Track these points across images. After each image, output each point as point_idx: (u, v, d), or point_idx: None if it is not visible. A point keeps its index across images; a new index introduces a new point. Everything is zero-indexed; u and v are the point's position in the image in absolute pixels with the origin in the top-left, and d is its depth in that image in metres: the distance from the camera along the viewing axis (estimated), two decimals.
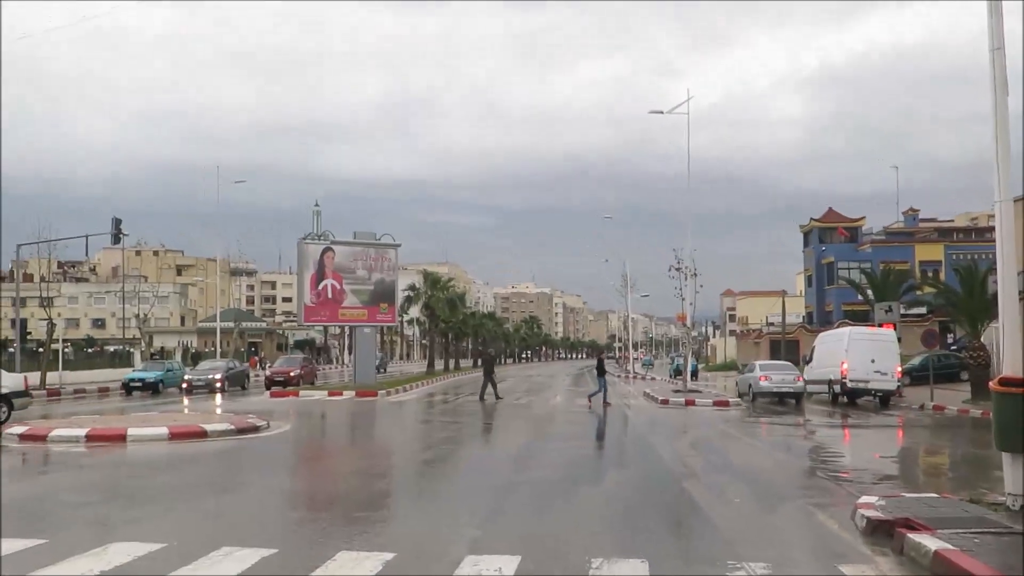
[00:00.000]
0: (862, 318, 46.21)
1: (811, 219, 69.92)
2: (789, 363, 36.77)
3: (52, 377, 41.86)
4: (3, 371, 22.26)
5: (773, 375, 32.24)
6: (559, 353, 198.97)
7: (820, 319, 65.14)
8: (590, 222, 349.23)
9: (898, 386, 31.15)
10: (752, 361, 41.12)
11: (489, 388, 32.95)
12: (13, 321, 48.79)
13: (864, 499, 9.73)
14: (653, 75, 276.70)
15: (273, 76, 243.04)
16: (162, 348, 77.22)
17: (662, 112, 38.28)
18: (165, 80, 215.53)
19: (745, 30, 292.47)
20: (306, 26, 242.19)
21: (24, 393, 22.48)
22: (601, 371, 31.44)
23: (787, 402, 31.49)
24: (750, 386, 32.56)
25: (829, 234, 68.16)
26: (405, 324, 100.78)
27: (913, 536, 7.68)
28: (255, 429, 19.52)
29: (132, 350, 64.33)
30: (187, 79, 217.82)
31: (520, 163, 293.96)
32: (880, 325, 34.32)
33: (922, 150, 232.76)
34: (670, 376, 54.64)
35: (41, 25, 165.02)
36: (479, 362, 78.11)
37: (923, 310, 50.76)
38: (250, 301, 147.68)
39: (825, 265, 66.85)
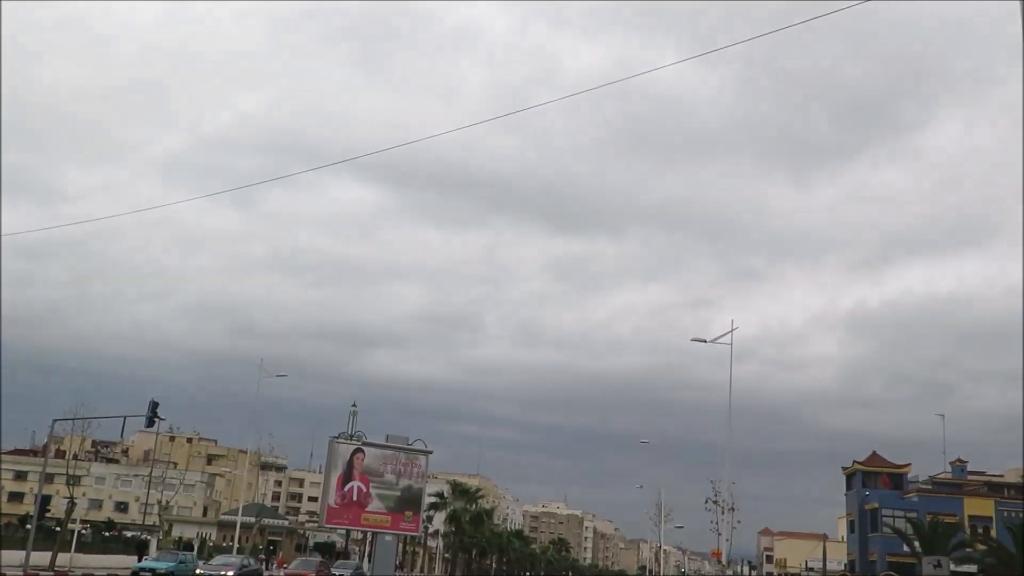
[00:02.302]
0: (908, 571, 43.71)
1: (854, 462, 67.97)
2: None
3: (63, 558, 40.72)
4: None
5: None
6: None
7: (863, 568, 61.83)
8: (626, 445, 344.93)
9: None
10: None
11: None
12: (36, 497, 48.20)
13: None
14: (689, 307, 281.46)
15: (318, 280, 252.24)
16: (180, 538, 75.52)
17: (705, 341, 38.33)
18: (215, 275, 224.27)
19: (782, 271, 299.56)
20: (352, 237, 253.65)
21: None
22: None
23: None
24: None
25: (873, 478, 65.99)
26: (428, 535, 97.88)
27: None
28: None
29: (149, 538, 62.83)
30: (236, 277, 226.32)
31: (558, 382, 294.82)
32: None
33: (964, 401, 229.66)
34: None
35: (105, 210, 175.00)
36: None
37: (973, 568, 47.94)
38: (276, 497, 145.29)
39: (868, 511, 64.26)
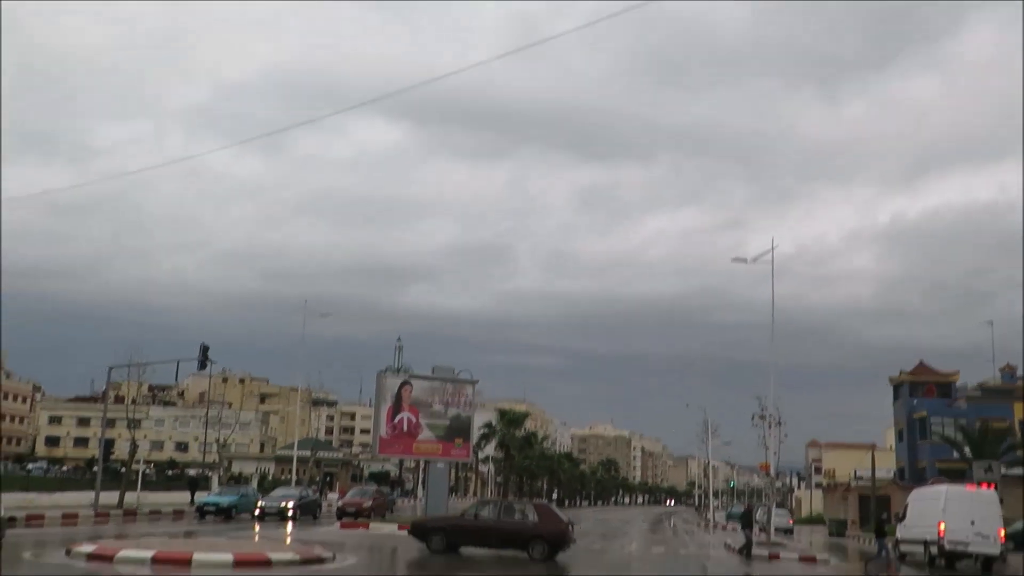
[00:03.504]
0: (958, 477, 43.71)
1: (901, 372, 67.61)
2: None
3: (130, 497, 42.31)
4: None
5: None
6: (637, 498, 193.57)
7: (912, 476, 61.97)
8: (667, 368, 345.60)
9: (1002, 551, 28.92)
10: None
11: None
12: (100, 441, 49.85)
13: None
14: (722, 228, 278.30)
15: (351, 220, 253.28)
16: (240, 473, 77.76)
17: (745, 260, 37.97)
18: (249, 222, 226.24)
19: (815, 189, 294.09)
20: (380, 176, 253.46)
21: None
22: (748, 523, 30.20)
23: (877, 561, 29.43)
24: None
25: (920, 388, 65.68)
26: (480, 461, 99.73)
27: None
28: (320, 561, 19.11)
29: (210, 474, 64.85)
30: (270, 221, 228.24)
31: (593, 310, 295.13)
32: (979, 484, 32.34)
33: (1005, 309, 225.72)
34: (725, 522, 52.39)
35: (137, 163, 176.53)
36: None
37: None
38: (329, 431, 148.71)
39: (917, 420, 64.11)
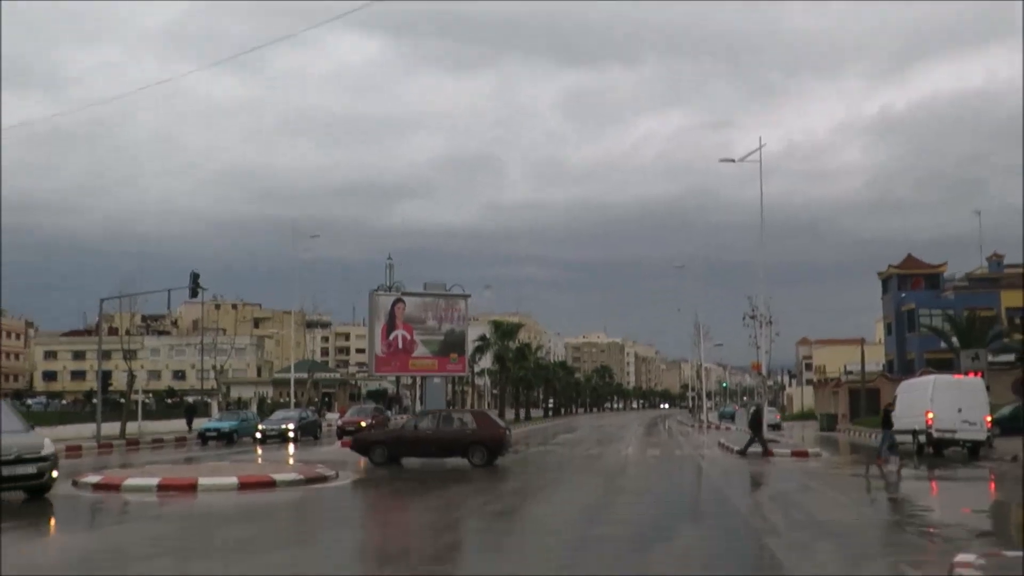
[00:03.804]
0: (946, 367, 44.47)
1: (889, 266, 68.07)
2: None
3: (132, 427, 42.76)
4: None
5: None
6: (631, 403, 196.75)
7: (901, 368, 63.00)
8: (659, 272, 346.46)
9: (988, 436, 29.63)
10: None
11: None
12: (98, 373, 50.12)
13: (961, 557, 9.06)
14: (711, 128, 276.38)
15: (337, 139, 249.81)
16: (239, 398, 78.57)
17: (733, 160, 37.77)
18: (234, 143, 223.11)
19: (802, 81, 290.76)
20: (362, 91, 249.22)
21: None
22: (757, 426, 30.57)
23: (867, 451, 30.15)
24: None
25: (909, 281, 66.22)
26: (476, 375, 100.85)
27: None
28: (323, 479, 19.44)
29: (210, 400, 65.50)
30: (255, 142, 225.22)
31: (584, 217, 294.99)
32: (966, 373, 32.91)
33: (997, 197, 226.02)
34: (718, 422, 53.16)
35: (112, 91, 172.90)
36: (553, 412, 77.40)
37: (1011, 358, 48.66)
38: (324, 352, 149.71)
39: (905, 312, 64.83)
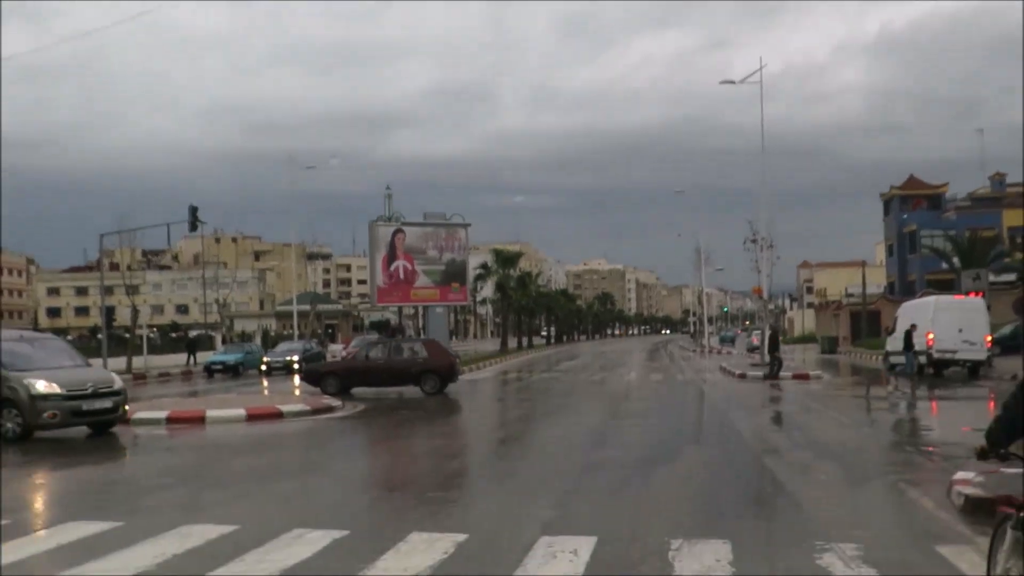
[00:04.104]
0: (947, 287, 44.54)
1: (891, 187, 67.69)
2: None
3: (138, 362, 43.09)
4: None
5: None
6: (634, 329, 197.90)
7: (902, 289, 63.14)
8: (659, 199, 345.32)
9: (988, 356, 29.83)
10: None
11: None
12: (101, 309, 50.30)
13: (960, 475, 9.19)
14: (709, 49, 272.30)
15: (328, 69, 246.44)
16: (242, 332, 78.98)
17: (734, 82, 37.26)
18: (222, 76, 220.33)
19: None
20: (353, 20, 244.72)
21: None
22: (775, 347, 30.28)
23: (868, 373, 30.40)
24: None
25: (910, 202, 65.90)
26: (478, 304, 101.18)
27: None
28: (329, 409, 19.66)
29: (214, 334, 65.87)
30: (243, 74, 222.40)
31: (580, 144, 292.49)
32: (967, 293, 32.98)
33: (997, 115, 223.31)
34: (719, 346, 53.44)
35: (97, 23, 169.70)
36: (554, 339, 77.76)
37: (1012, 277, 48.72)
38: (326, 284, 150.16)
39: (907, 234, 64.69)
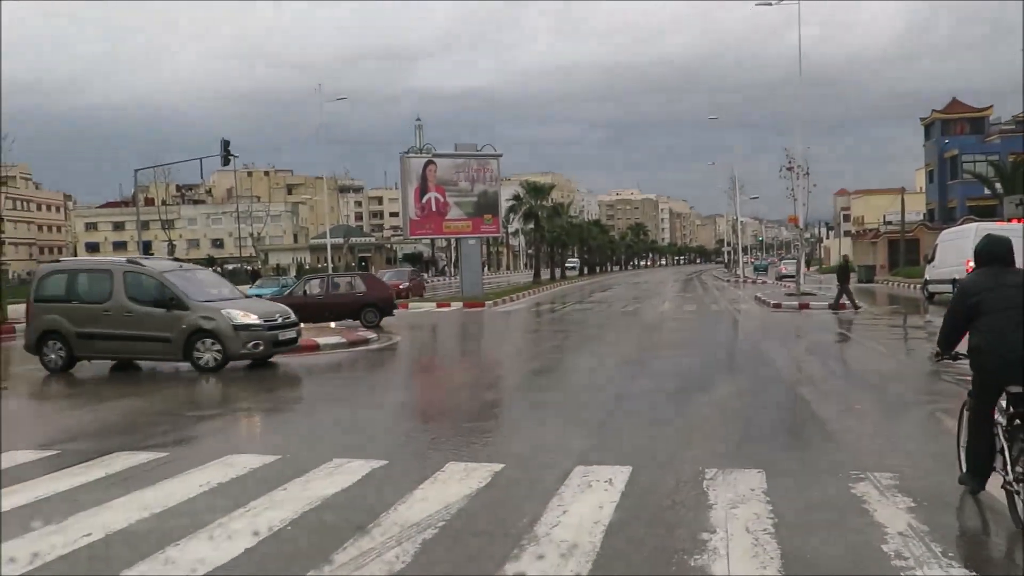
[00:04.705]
0: (989, 214, 43.73)
1: (933, 111, 66.09)
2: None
3: None
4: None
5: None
6: (665, 259, 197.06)
7: (942, 216, 62.09)
8: (692, 127, 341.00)
9: None
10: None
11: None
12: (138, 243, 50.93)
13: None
14: None
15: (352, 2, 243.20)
16: (277, 265, 79.77)
17: (770, 3, 36.43)
18: (243, 9, 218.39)
19: None
20: None
21: None
22: (844, 278, 29.71)
23: (905, 302, 30.09)
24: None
25: (952, 126, 64.33)
26: (510, 235, 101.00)
27: None
28: (365, 342, 19.88)
29: (248, 268, 66.58)
30: (264, 7, 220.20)
31: (613, 72, 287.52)
32: (1010, 220, 32.35)
33: None
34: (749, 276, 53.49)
35: None
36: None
37: None
38: (359, 217, 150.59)
39: (948, 159, 63.34)
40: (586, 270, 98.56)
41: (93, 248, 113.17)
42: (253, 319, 15.29)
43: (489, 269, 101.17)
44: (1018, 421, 5.52)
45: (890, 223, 69.94)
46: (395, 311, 26.71)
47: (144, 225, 46.56)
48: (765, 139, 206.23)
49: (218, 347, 15.01)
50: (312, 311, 24.08)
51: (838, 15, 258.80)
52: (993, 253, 5.99)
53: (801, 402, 11.14)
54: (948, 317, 6.08)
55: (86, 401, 12.98)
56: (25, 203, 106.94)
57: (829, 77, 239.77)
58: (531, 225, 65.74)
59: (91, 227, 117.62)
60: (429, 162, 39.23)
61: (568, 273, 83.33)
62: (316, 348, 18.57)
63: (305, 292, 25.74)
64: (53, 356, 15.83)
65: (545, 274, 70.84)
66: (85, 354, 15.98)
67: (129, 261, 16.35)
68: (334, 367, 16.61)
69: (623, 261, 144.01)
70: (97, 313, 15.50)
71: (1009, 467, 5.54)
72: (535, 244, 74.31)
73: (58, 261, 19.48)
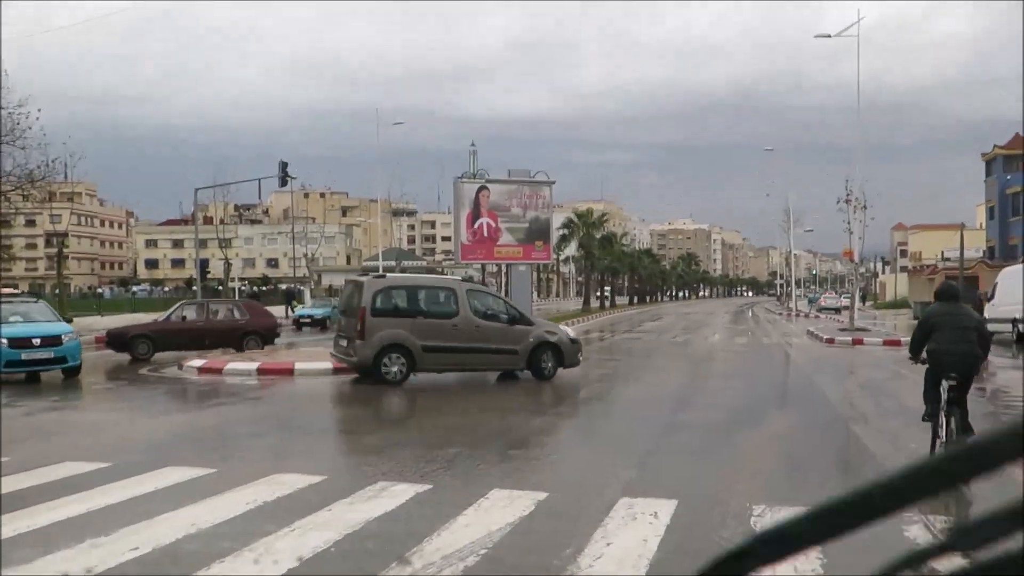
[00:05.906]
0: None
1: (995, 146, 64.76)
2: None
3: None
4: None
5: None
6: (714, 290, 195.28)
7: (1003, 254, 60.67)
8: (747, 156, 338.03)
9: None
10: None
11: None
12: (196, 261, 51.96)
13: None
14: (796, 1, 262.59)
15: (409, 22, 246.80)
16: (330, 286, 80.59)
17: (829, 35, 36.09)
18: (302, 29, 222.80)
19: None
20: None
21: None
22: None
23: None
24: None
25: (1015, 162, 62.96)
26: (560, 262, 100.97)
27: None
28: None
29: (302, 288, 67.44)
30: (323, 28, 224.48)
31: (665, 99, 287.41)
32: None
33: None
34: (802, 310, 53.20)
35: None
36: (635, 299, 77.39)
37: None
38: (411, 240, 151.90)
39: (1010, 196, 61.96)
40: (636, 299, 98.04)
41: (152, 265, 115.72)
42: (574, 334, 18.54)
43: (539, 295, 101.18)
44: (952, 396, 8.71)
45: (948, 259, 68.45)
46: (275, 340, 24.79)
47: (202, 243, 47.45)
48: (821, 167, 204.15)
49: (558, 359, 17.24)
50: (191, 338, 22.65)
51: (901, 41, 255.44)
52: (946, 293, 8.99)
53: (853, 439, 10.92)
54: (916, 332, 8.95)
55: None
56: (89, 219, 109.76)
57: (889, 105, 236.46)
58: (582, 253, 65.67)
59: (151, 244, 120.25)
60: (482, 188, 39.37)
61: (618, 301, 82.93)
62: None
63: (183, 318, 23.61)
64: (395, 369, 16.27)
65: (595, 303, 70.61)
66: (429, 367, 16.60)
67: (464, 280, 18.59)
68: (379, 389, 16.67)
69: (674, 291, 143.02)
70: (445, 328, 16.41)
71: (943, 427, 8.74)
72: (585, 272, 74.18)
73: (383, 276, 19.74)
